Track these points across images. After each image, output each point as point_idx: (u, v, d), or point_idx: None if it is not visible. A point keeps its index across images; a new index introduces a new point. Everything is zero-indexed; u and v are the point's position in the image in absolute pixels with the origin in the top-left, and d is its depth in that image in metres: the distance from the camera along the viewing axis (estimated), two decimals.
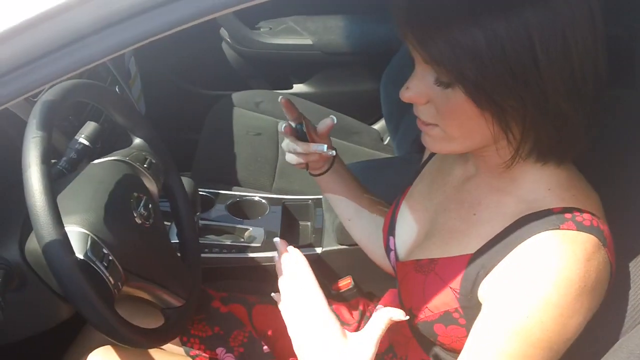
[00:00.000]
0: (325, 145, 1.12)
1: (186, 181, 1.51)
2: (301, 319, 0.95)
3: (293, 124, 1.14)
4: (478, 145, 0.91)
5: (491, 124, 0.84)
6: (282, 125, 1.13)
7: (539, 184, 0.92)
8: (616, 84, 1.12)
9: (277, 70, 2.76)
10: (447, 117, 0.87)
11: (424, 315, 1.00)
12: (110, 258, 1.04)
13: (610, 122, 1.07)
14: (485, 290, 0.91)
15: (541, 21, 0.76)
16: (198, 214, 1.68)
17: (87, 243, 1.02)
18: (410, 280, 1.05)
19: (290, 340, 1.33)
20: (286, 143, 1.15)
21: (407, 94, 0.88)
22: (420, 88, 0.87)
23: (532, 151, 0.89)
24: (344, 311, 1.40)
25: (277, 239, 1.06)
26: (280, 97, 1.12)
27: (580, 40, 0.79)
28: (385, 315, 0.92)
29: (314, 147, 1.12)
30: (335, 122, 1.13)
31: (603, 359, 0.87)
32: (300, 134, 1.14)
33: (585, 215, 0.85)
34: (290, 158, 1.17)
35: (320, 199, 1.91)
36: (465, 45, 0.77)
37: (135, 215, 1.15)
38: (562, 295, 0.82)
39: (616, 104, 1.10)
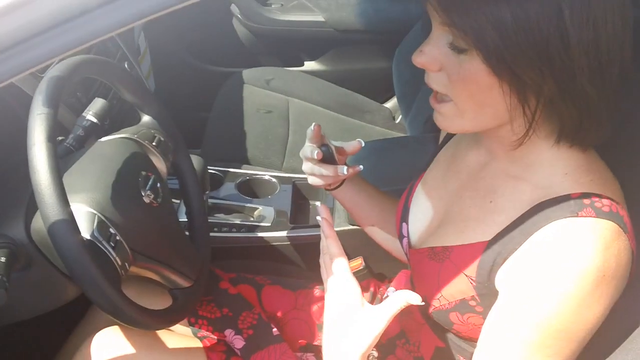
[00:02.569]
0: (345, 167, 1.10)
1: (195, 159, 1.49)
2: (330, 286, 0.97)
3: (322, 148, 1.12)
4: (490, 123, 0.88)
5: (508, 95, 0.81)
6: (314, 152, 1.09)
7: (556, 168, 0.89)
8: None
9: (288, 47, 2.73)
10: (459, 86, 0.83)
11: (439, 303, 0.99)
12: (117, 238, 1.02)
13: (635, 107, 1.04)
14: (502, 278, 0.89)
15: (574, 1, 0.74)
16: (207, 192, 1.66)
17: (93, 222, 1.01)
18: (424, 268, 1.03)
19: (299, 322, 1.34)
20: (310, 167, 1.13)
21: (420, 58, 0.85)
22: (434, 53, 0.84)
23: (553, 133, 0.87)
24: None
25: (318, 205, 1.07)
26: (314, 123, 1.09)
27: (610, 22, 0.76)
28: (403, 297, 0.91)
29: (340, 169, 1.10)
30: (363, 145, 1.13)
31: (621, 347, 0.85)
32: (328, 156, 1.12)
33: (605, 201, 0.83)
34: (314, 180, 1.15)
35: None
36: (488, 12, 0.74)
37: (143, 194, 1.13)
38: (580, 287, 0.80)
39: None
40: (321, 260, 1.02)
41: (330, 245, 0.99)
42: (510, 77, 0.79)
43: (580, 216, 0.81)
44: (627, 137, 1.00)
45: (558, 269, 0.81)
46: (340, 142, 1.15)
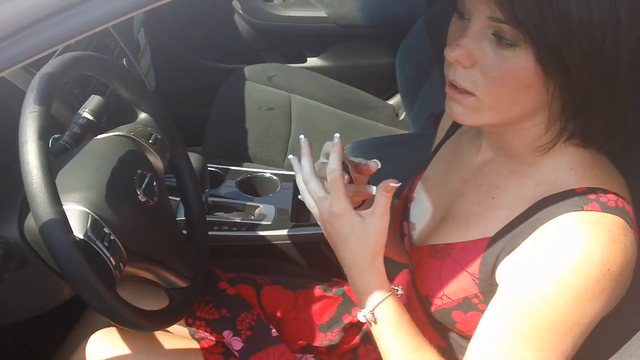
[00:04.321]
0: (374, 187, 0.98)
1: (195, 157, 1.47)
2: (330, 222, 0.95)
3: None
4: (511, 120, 0.85)
5: (550, 94, 0.80)
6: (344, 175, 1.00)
7: (561, 164, 0.88)
8: None
9: (291, 43, 2.71)
10: (495, 83, 0.80)
11: (441, 302, 0.97)
12: (112, 237, 1.01)
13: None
14: (502, 272, 0.88)
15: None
16: (207, 190, 1.65)
17: (87, 222, 0.99)
18: (425, 266, 1.02)
19: (299, 323, 1.32)
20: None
21: (456, 52, 0.80)
22: (471, 47, 0.80)
23: (577, 133, 0.85)
24: None
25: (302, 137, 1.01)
26: (337, 135, 1.00)
27: None
28: (383, 188, 0.91)
29: (367, 189, 1.00)
30: (380, 167, 1.03)
31: (626, 345, 0.84)
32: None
33: (610, 196, 0.82)
34: None
35: None
36: (555, 8, 0.72)
37: (138, 193, 1.11)
38: (581, 279, 0.78)
39: None
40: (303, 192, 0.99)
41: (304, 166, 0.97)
42: (560, 75, 0.77)
43: (585, 210, 0.80)
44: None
45: (558, 260, 0.79)
46: (356, 158, 1.09)
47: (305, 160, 0.97)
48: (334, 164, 0.93)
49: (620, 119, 0.83)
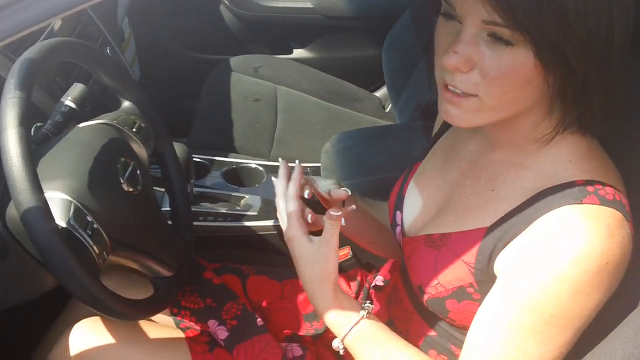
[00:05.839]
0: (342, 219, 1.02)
1: (179, 147, 1.46)
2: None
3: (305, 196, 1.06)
4: (509, 116, 0.85)
5: (551, 88, 0.79)
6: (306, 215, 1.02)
7: (559, 155, 0.88)
8: None
9: (277, 34, 2.70)
10: (496, 83, 0.79)
11: (435, 291, 0.97)
12: (95, 226, 0.99)
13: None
14: (501, 264, 0.88)
15: None
16: (192, 180, 1.64)
17: (69, 210, 0.98)
18: (420, 256, 1.01)
19: (285, 312, 1.32)
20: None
21: (455, 59, 0.78)
22: (468, 52, 0.78)
23: (574, 122, 0.85)
24: (342, 282, 1.36)
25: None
26: (297, 162, 1.06)
27: (635, 5, 0.78)
28: (328, 217, 0.94)
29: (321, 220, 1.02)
30: (350, 194, 1.08)
31: (611, 334, 0.84)
32: (313, 204, 1.08)
33: (608, 189, 0.82)
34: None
35: (319, 167, 1.86)
36: (553, 4, 0.72)
37: (122, 181, 1.10)
38: (581, 272, 0.79)
39: None
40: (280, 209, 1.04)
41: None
42: (560, 67, 0.76)
43: (585, 203, 0.80)
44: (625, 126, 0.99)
45: (559, 254, 0.79)
46: (325, 185, 1.09)
47: (278, 182, 1.04)
48: (291, 191, 1.01)
49: (615, 103, 0.83)
